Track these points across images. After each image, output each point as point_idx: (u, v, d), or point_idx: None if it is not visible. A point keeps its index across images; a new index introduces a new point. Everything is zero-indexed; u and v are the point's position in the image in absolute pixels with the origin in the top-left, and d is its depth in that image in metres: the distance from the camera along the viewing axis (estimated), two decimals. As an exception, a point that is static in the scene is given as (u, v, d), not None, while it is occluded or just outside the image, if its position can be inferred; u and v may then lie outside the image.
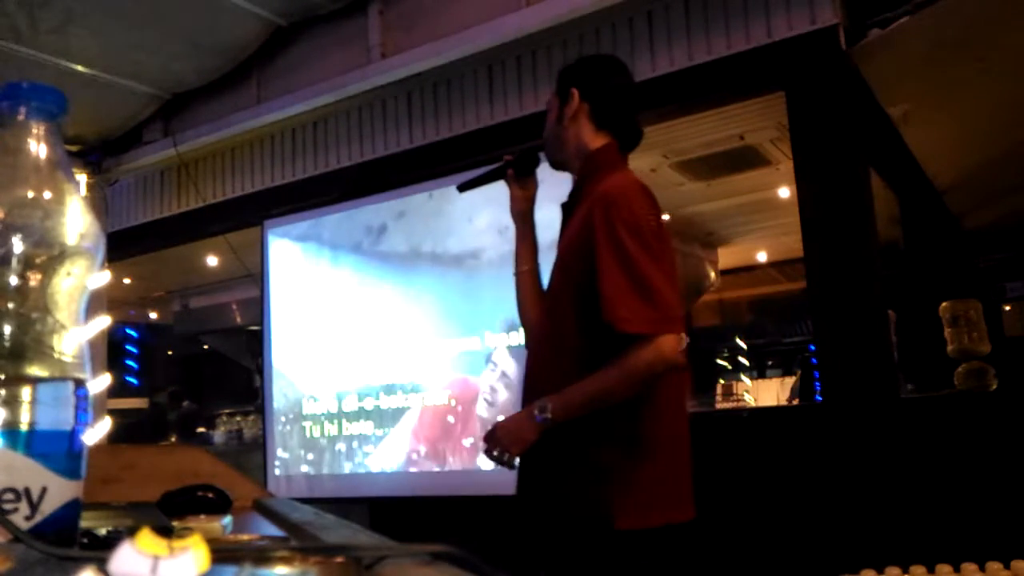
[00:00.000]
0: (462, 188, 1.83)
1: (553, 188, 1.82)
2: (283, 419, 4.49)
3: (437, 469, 3.88)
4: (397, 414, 4.04)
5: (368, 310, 4.22)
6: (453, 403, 3.85)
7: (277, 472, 4.44)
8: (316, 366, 4.39)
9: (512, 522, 1.66)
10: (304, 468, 4.36)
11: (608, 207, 1.49)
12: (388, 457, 4.05)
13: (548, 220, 1.81)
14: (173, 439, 7.76)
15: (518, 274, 1.80)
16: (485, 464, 3.63)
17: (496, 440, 1.55)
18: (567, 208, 1.69)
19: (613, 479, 1.46)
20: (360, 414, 4.18)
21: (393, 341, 4.10)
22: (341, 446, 4.23)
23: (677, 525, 1.50)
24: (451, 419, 3.85)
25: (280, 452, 4.47)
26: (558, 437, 1.49)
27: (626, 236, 1.45)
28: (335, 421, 4.27)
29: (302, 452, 4.39)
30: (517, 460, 1.55)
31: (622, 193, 1.52)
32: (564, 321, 1.56)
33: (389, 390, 4.08)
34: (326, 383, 4.33)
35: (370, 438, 4.13)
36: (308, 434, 4.37)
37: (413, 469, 3.97)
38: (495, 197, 1.86)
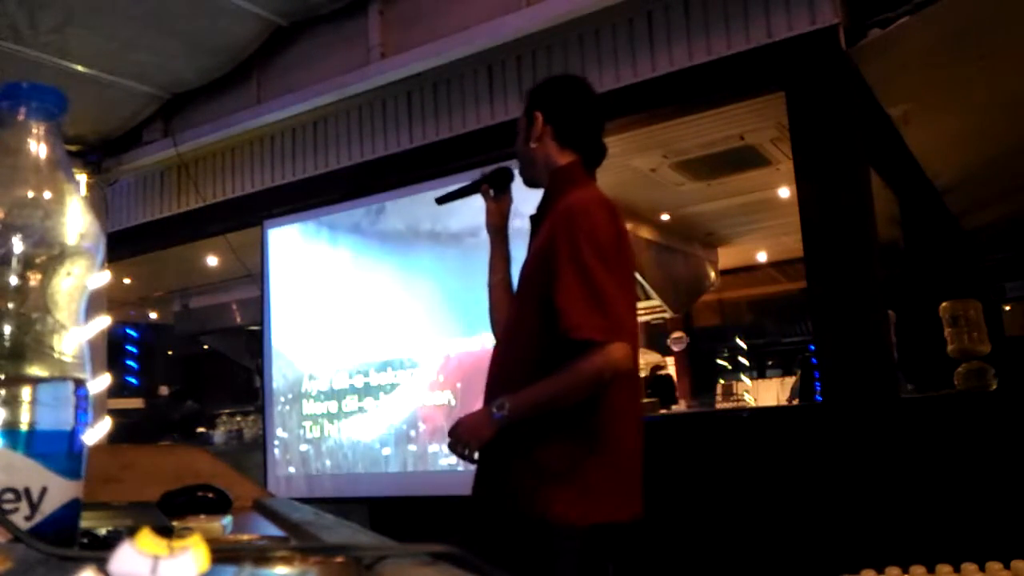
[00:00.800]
0: (440, 201, 1.93)
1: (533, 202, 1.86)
2: (282, 407, 4.50)
3: (437, 469, 3.89)
4: (398, 412, 4.04)
5: (368, 307, 4.23)
6: (454, 403, 3.85)
7: (277, 471, 4.45)
8: (316, 364, 4.40)
9: (466, 517, 1.73)
10: (304, 468, 4.36)
11: (570, 219, 1.58)
12: (388, 456, 4.05)
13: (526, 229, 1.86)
14: (174, 437, 7.75)
15: (490, 285, 1.89)
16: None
17: (457, 436, 1.62)
18: (534, 221, 1.77)
19: (555, 477, 1.53)
20: (360, 413, 4.18)
21: (394, 337, 4.11)
22: (341, 446, 4.23)
23: (615, 524, 1.56)
24: (452, 403, 3.85)
25: (279, 447, 4.48)
26: (510, 436, 1.57)
27: (584, 247, 1.54)
28: (334, 421, 4.27)
29: (302, 451, 4.39)
30: (477, 455, 1.63)
31: (583, 207, 1.60)
32: (526, 328, 1.65)
33: (390, 389, 4.09)
34: (326, 382, 4.34)
35: (370, 436, 4.13)
36: (308, 433, 4.37)
37: (413, 469, 3.97)
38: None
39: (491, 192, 1.89)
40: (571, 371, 1.50)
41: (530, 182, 1.81)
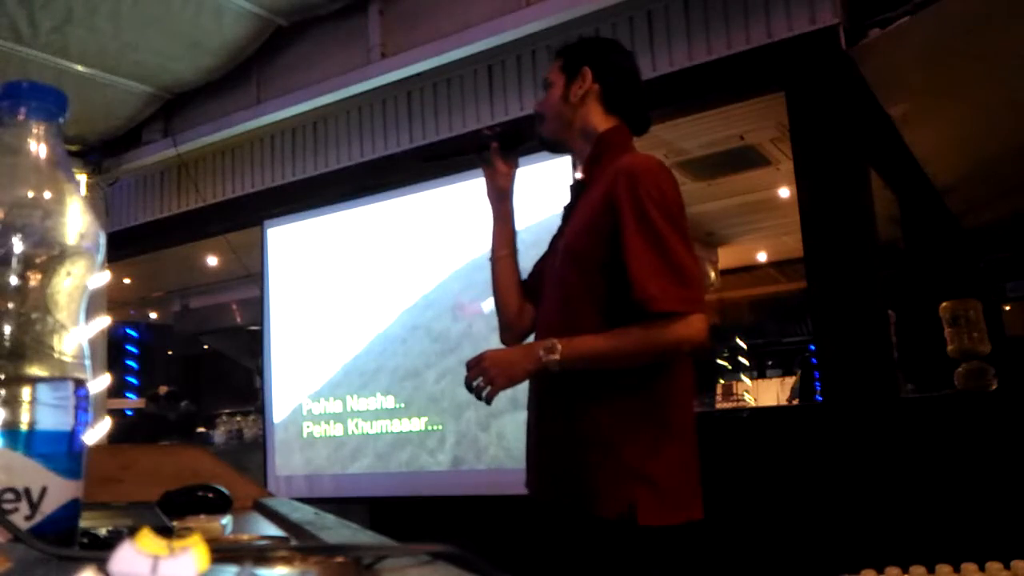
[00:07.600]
0: (428, 159, 1.78)
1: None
2: (282, 407, 4.49)
3: (437, 469, 3.88)
4: (398, 411, 4.04)
5: (368, 306, 4.23)
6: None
7: (277, 471, 4.45)
8: (316, 364, 4.39)
9: (530, 519, 1.57)
10: (304, 468, 4.36)
11: (634, 182, 1.44)
12: (388, 456, 4.05)
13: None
14: (173, 437, 7.73)
15: (498, 259, 1.72)
16: (484, 463, 3.64)
17: (482, 369, 1.43)
18: (576, 189, 1.63)
19: (640, 475, 1.40)
20: (360, 413, 4.18)
21: (394, 337, 4.11)
22: (341, 446, 4.23)
23: (694, 523, 1.46)
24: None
25: (280, 448, 4.47)
26: (585, 424, 1.43)
27: (654, 212, 1.41)
28: (334, 420, 4.27)
29: (302, 451, 4.39)
30: (496, 396, 1.44)
31: (647, 169, 1.47)
32: (581, 309, 1.48)
33: (387, 389, 4.08)
34: (326, 381, 4.34)
35: (371, 436, 4.12)
36: (308, 433, 4.37)
37: (413, 469, 3.97)
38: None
39: (501, 152, 1.69)
40: (647, 331, 1.37)
41: (555, 144, 1.65)
